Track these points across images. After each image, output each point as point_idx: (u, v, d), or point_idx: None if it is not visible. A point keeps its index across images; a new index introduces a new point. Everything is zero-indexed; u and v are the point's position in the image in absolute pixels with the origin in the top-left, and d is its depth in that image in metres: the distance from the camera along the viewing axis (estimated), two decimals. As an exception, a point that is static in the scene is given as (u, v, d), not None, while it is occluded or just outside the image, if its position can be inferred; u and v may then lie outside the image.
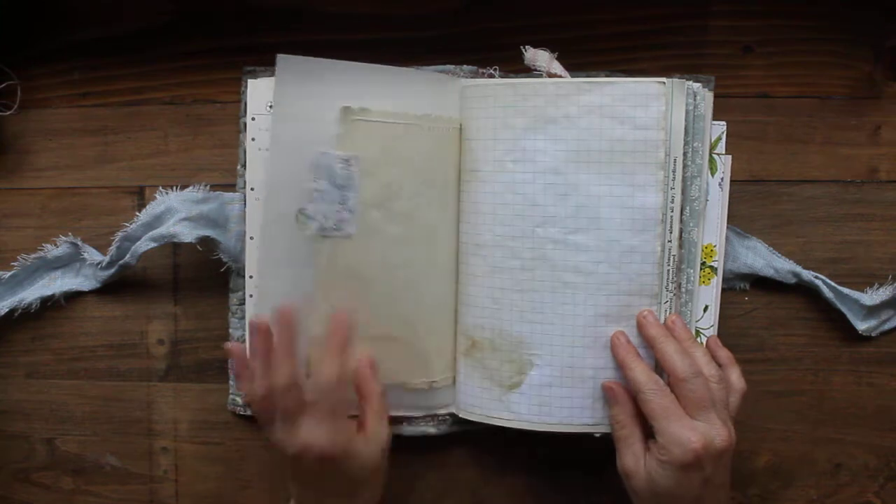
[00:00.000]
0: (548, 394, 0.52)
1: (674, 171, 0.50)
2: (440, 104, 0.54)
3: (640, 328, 0.51)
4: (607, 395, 0.51)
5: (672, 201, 0.51)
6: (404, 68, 0.54)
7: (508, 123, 0.52)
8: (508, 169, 0.52)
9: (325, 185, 0.51)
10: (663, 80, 0.49)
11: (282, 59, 0.50)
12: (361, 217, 0.52)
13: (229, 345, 0.51)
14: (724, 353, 0.53)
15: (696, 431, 0.46)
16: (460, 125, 0.54)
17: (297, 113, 0.52)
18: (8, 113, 0.59)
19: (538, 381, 0.53)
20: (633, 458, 0.49)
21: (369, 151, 0.52)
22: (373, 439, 0.49)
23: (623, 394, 0.50)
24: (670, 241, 0.51)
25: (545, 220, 0.51)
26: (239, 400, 0.60)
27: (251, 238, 0.56)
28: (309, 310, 0.50)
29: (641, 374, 0.49)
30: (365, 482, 0.50)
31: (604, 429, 0.52)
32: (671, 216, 0.51)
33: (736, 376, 0.52)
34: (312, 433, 0.46)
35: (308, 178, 0.51)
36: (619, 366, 0.50)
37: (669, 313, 0.52)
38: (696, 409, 0.47)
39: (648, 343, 0.51)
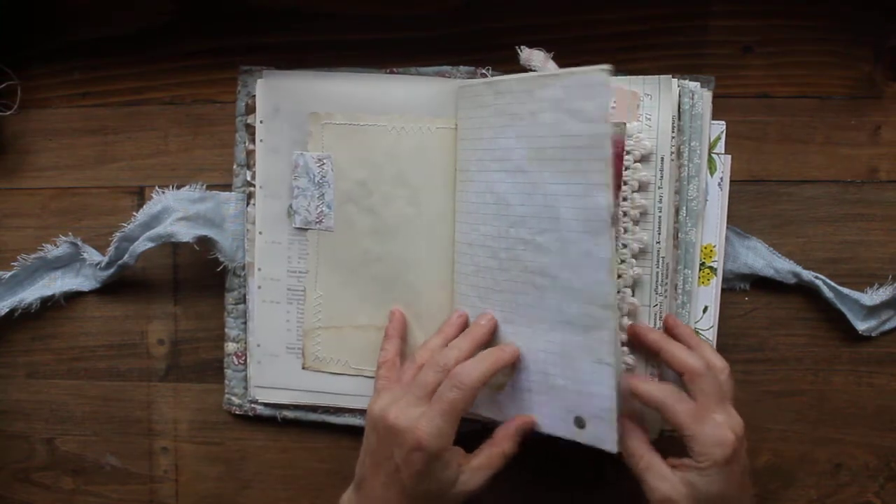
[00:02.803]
0: (528, 399, 0.51)
1: (661, 171, 0.50)
2: (420, 107, 0.55)
3: (638, 337, 0.50)
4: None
5: (660, 201, 0.50)
6: (382, 74, 0.56)
7: (489, 122, 0.51)
8: (489, 168, 0.51)
9: (305, 182, 0.56)
10: (607, 66, 0.45)
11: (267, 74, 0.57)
12: (338, 211, 0.56)
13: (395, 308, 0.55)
14: (686, 331, 0.51)
15: (726, 426, 0.46)
16: (455, 125, 0.54)
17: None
18: (8, 113, 0.59)
19: (519, 385, 0.51)
20: (668, 483, 0.46)
21: (340, 152, 0.55)
22: (472, 475, 0.48)
23: (629, 425, 0.48)
24: (659, 243, 0.50)
25: (517, 220, 0.50)
26: (235, 400, 0.60)
27: (260, 233, 0.58)
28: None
29: (661, 388, 0.47)
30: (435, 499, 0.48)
31: (581, 441, 0.49)
32: (659, 216, 0.50)
33: (715, 357, 0.49)
34: (424, 419, 0.46)
35: (290, 176, 0.57)
36: (656, 353, 0.49)
37: (663, 315, 0.51)
38: (716, 402, 0.46)
39: (652, 349, 0.49)
